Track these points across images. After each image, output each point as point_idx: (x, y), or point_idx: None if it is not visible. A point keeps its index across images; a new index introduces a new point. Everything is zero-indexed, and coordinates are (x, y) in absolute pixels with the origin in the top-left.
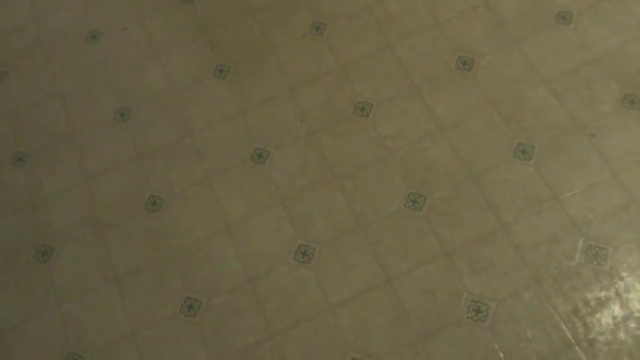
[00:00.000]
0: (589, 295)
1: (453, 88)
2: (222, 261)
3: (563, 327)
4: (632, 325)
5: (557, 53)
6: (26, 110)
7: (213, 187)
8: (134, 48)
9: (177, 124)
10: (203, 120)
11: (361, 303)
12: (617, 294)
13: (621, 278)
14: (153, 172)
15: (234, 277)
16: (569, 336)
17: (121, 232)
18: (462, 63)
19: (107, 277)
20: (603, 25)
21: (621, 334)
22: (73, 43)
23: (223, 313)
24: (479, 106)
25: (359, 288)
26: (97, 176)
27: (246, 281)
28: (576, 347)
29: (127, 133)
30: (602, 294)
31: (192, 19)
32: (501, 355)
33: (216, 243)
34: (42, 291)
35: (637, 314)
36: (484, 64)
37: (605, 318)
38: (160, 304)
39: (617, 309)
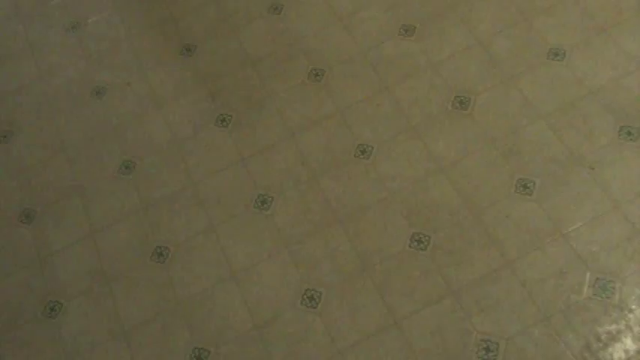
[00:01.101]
0: (599, 330)
1: (451, 127)
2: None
3: None
4: None
5: (552, 89)
6: (32, 167)
7: (217, 235)
8: (137, 101)
9: (180, 174)
10: (205, 169)
11: (369, 346)
12: (628, 327)
13: (631, 310)
14: (158, 222)
15: (241, 325)
16: None
17: (127, 284)
18: (459, 102)
19: (115, 331)
20: (595, 60)
21: None
22: (78, 99)
23: None
24: (477, 144)
25: (366, 331)
26: (103, 229)
27: (253, 329)
28: None
29: (132, 185)
30: (613, 327)
31: (192, 70)
32: None
33: (222, 291)
34: (50, 348)
35: None
36: (480, 103)
37: (617, 352)
38: (169, 356)
39: (628, 342)
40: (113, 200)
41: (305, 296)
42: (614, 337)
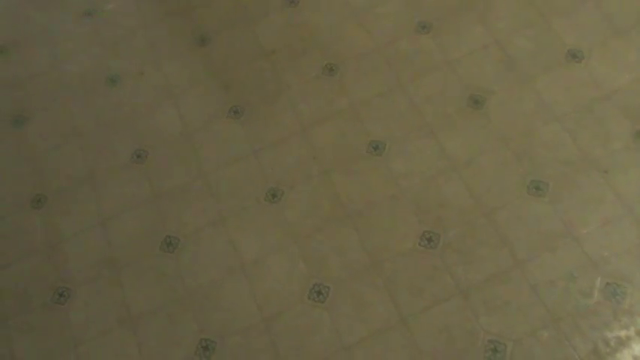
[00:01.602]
0: (609, 334)
1: (465, 125)
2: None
3: None
4: None
5: (569, 90)
6: (44, 153)
7: (227, 227)
8: (150, 91)
9: (191, 164)
10: (217, 160)
11: (376, 343)
12: (638, 333)
13: None
14: (168, 213)
15: (248, 317)
16: None
17: (136, 273)
18: (474, 101)
19: (122, 318)
20: (613, 62)
21: None
22: (91, 87)
23: (238, 354)
24: (491, 144)
25: (373, 327)
26: (113, 218)
27: (260, 321)
28: None
29: (143, 174)
30: (622, 333)
31: (206, 61)
32: None
33: (230, 283)
34: (58, 333)
35: None
36: (495, 102)
37: (625, 358)
38: (175, 346)
39: (638, 348)
40: (124, 189)
41: (313, 291)
42: (623, 343)
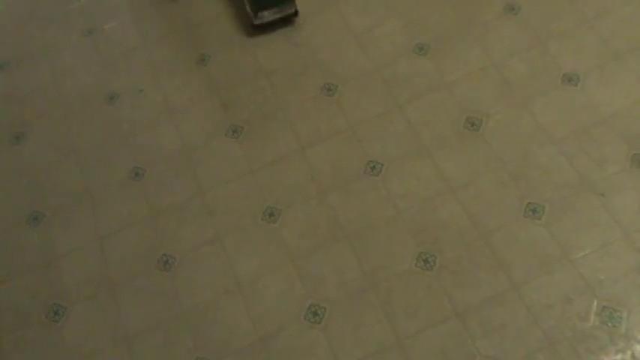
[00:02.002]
0: (605, 359)
1: (462, 147)
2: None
3: None
4: None
5: (566, 113)
6: (42, 169)
7: (224, 245)
8: (149, 108)
9: (189, 183)
10: (215, 179)
11: None
12: (634, 357)
13: (637, 341)
14: (165, 230)
15: (244, 337)
16: None
17: (132, 291)
18: (471, 123)
19: (117, 337)
20: (610, 86)
21: None
22: (91, 103)
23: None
24: (488, 166)
25: (370, 349)
26: (110, 235)
27: (256, 341)
28: None
29: (141, 192)
30: (619, 357)
31: (206, 80)
32: None
33: (226, 302)
34: (53, 352)
35: None
36: (492, 124)
37: None
38: None
39: None
40: (122, 206)
41: (309, 311)
42: None
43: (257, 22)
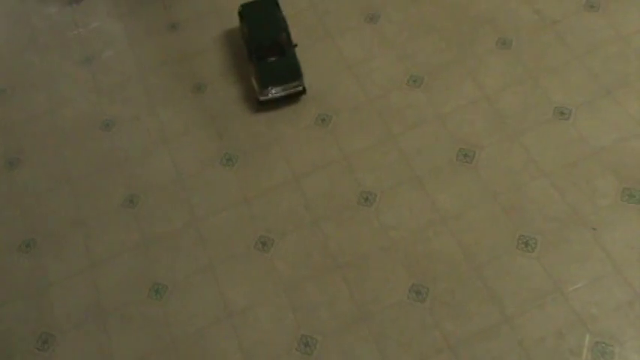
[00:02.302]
0: None
1: (455, 179)
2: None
3: None
4: None
5: (557, 147)
6: (36, 196)
7: (216, 274)
8: (145, 136)
9: (183, 211)
10: (209, 207)
11: None
12: None
13: None
14: (158, 259)
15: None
16: None
17: (123, 319)
18: (463, 155)
19: None
20: (600, 121)
21: None
22: (86, 131)
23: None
24: (480, 198)
25: None
26: (102, 263)
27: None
28: None
29: (134, 219)
30: None
31: (201, 109)
32: None
33: (217, 332)
34: None
35: None
36: (485, 157)
37: None
38: None
39: None
40: (115, 234)
41: (301, 342)
42: None
43: (263, 98)
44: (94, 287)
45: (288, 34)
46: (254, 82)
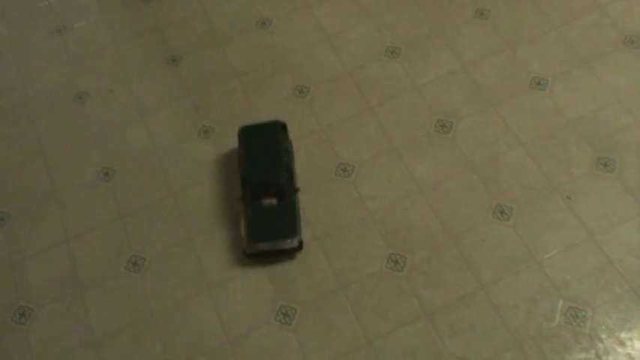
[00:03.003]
0: (569, 358)
1: (433, 150)
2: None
3: None
4: None
5: (533, 117)
6: (9, 170)
7: (194, 247)
8: (119, 109)
9: (159, 184)
10: (186, 180)
11: None
12: (597, 356)
13: (600, 340)
14: (135, 232)
15: (213, 339)
16: None
17: (100, 292)
18: (441, 126)
19: (85, 340)
20: (576, 91)
21: None
22: (59, 104)
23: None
24: (457, 168)
25: (340, 350)
26: (79, 236)
27: (226, 342)
28: None
29: (110, 193)
30: (583, 356)
31: (177, 81)
32: None
33: (196, 304)
34: (18, 354)
35: None
36: (462, 127)
37: None
38: None
39: None
40: (90, 207)
41: (279, 312)
42: None
43: (250, 250)
44: (70, 260)
45: (292, 175)
46: (242, 227)
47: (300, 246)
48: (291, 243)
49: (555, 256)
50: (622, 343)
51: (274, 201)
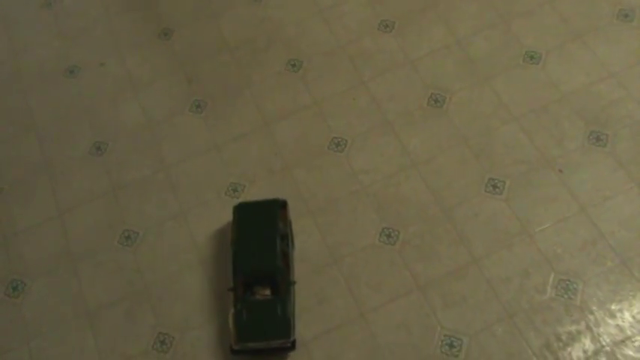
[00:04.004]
0: (560, 330)
1: (426, 124)
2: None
3: None
4: (603, 359)
5: (526, 91)
6: (1, 144)
7: (188, 221)
8: (111, 83)
9: (152, 158)
10: (179, 154)
11: (335, 337)
12: (588, 327)
13: (591, 312)
14: (127, 206)
15: (207, 312)
16: None
17: (93, 266)
18: (434, 100)
19: (78, 312)
20: (569, 65)
21: None
22: (50, 77)
23: (196, 348)
24: (450, 142)
25: (333, 322)
26: (71, 210)
27: (219, 316)
28: None
29: (103, 166)
30: (573, 328)
31: (169, 54)
32: None
33: (189, 277)
34: (12, 326)
35: (607, 348)
36: (455, 101)
37: (576, 352)
38: (132, 340)
39: (587, 343)
40: (83, 181)
41: None
42: (574, 338)
43: (237, 347)
44: (63, 234)
45: (289, 264)
46: (230, 320)
47: (293, 345)
48: (283, 343)
49: (547, 229)
50: (612, 315)
51: (268, 291)
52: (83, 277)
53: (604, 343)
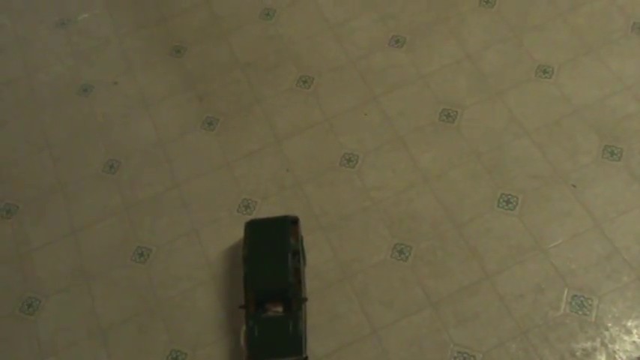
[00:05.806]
0: (575, 346)
1: (437, 139)
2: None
3: None
4: None
5: (539, 105)
6: (15, 162)
7: (200, 238)
8: (124, 101)
9: (164, 175)
10: (191, 171)
11: (347, 354)
12: (603, 344)
13: (606, 328)
14: (140, 223)
15: (219, 329)
16: None
17: (107, 283)
18: (446, 115)
19: (92, 329)
20: (582, 79)
21: None
22: (64, 96)
23: None
24: (462, 157)
25: (345, 339)
26: (85, 228)
27: (231, 332)
28: None
29: (115, 184)
30: (588, 344)
31: (181, 72)
32: None
33: (201, 294)
34: (26, 344)
35: None
36: (467, 116)
37: None
38: (145, 357)
39: (603, 359)
40: (96, 199)
41: None
42: (589, 354)
43: None
44: (77, 252)
45: (300, 281)
46: (242, 337)
47: None
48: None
49: (561, 245)
50: (628, 332)
51: (280, 308)
52: (97, 294)
53: None
